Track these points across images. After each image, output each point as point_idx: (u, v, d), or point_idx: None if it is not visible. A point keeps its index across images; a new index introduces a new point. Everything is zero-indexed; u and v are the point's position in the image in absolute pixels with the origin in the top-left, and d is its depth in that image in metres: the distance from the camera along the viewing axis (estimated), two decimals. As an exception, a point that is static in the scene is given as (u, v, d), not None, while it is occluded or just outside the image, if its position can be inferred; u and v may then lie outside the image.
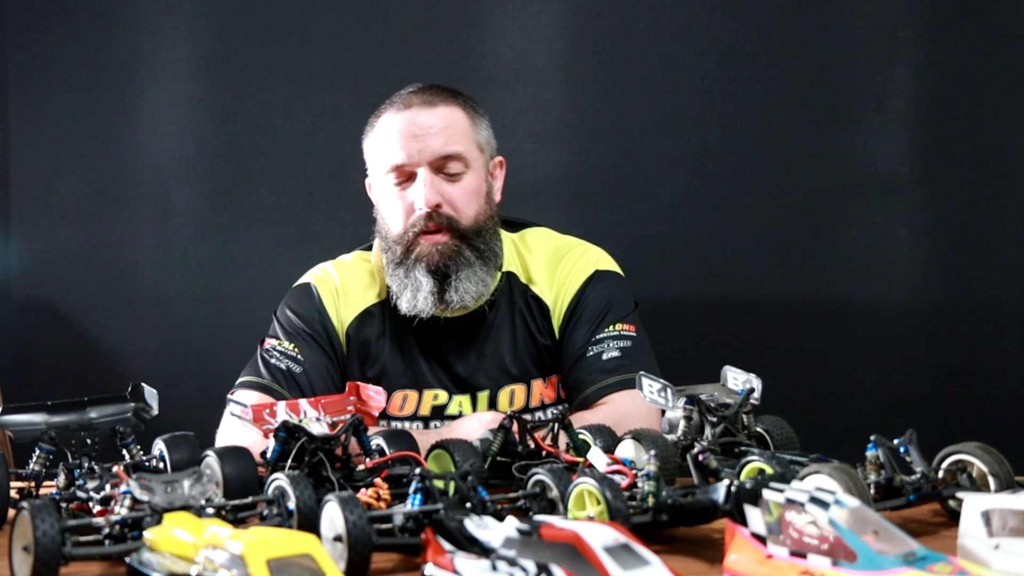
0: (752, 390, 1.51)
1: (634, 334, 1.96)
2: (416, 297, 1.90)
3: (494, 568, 0.98)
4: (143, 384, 1.53)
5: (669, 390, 1.52)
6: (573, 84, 2.80)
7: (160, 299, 2.86)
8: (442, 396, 1.96)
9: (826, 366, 2.76)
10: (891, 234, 2.76)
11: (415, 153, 1.89)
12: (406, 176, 1.91)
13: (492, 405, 1.95)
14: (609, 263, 2.06)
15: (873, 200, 2.76)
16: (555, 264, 2.02)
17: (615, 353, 1.92)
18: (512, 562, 0.97)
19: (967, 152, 2.74)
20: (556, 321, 1.98)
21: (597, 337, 1.94)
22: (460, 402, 1.95)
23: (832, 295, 2.77)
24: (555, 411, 1.56)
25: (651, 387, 1.54)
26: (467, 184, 1.92)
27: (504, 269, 2.00)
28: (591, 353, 1.92)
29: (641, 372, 1.56)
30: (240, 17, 2.83)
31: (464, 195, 1.91)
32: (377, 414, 1.53)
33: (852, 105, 2.75)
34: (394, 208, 1.93)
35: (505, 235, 2.04)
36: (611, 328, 1.95)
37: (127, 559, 1.08)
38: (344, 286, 2.01)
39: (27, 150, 2.88)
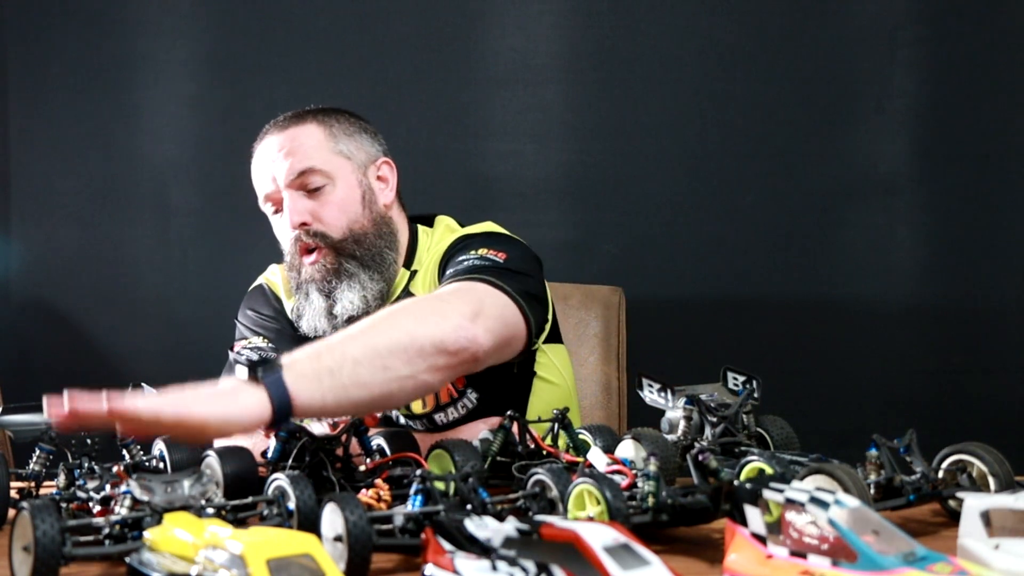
0: (752, 390, 1.51)
1: (501, 260, 1.74)
2: (310, 317, 1.89)
3: (494, 568, 0.98)
4: (143, 384, 1.53)
5: (669, 390, 1.52)
6: (573, 84, 2.80)
7: (160, 299, 2.86)
8: None
9: (826, 366, 2.76)
10: (891, 234, 2.76)
11: (273, 178, 1.89)
12: (278, 202, 1.91)
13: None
14: (486, 228, 1.94)
15: (873, 200, 2.76)
16: (443, 249, 1.93)
17: (477, 262, 1.75)
18: (512, 562, 0.97)
19: (967, 152, 2.74)
20: None
21: (458, 259, 1.80)
22: None
23: (832, 295, 2.77)
24: (555, 411, 1.56)
25: (651, 387, 1.54)
26: (334, 196, 1.88)
27: (413, 267, 1.96)
28: (451, 268, 1.78)
29: (641, 372, 1.56)
30: (240, 17, 2.83)
31: (331, 208, 1.88)
32: (379, 415, 1.53)
33: (852, 105, 2.75)
34: (279, 235, 1.95)
35: (426, 232, 2.00)
36: (474, 252, 1.78)
37: (127, 559, 1.08)
38: (286, 281, 2.01)
39: (27, 150, 2.88)
